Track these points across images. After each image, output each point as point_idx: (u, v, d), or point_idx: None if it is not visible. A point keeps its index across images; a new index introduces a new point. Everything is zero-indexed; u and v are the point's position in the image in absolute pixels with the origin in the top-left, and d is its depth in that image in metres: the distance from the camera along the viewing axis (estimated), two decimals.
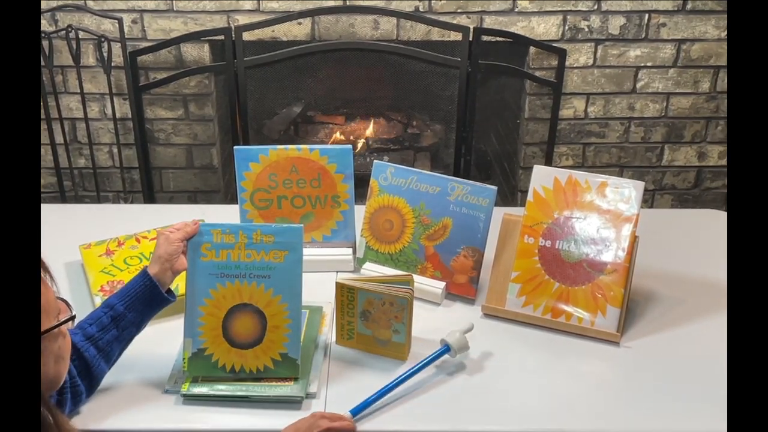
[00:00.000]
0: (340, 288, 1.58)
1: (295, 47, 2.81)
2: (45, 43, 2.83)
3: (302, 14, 2.83)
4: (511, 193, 3.33)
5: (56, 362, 1.17)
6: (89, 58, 2.93)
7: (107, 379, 1.47)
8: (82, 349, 1.39)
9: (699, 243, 2.07)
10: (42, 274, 1.12)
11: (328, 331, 1.66)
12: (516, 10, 2.90)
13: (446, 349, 1.57)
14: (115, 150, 3.09)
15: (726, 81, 3.06)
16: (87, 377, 1.40)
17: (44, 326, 1.11)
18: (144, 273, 1.47)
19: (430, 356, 1.55)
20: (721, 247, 1.99)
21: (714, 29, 2.96)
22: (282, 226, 1.53)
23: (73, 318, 1.20)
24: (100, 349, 1.41)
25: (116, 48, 2.86)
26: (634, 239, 1.68)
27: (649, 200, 3.30)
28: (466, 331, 1.60)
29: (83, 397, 1.41)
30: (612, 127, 3.14)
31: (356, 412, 1.42)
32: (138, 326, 1.48)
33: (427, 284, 1.79)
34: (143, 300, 1.46)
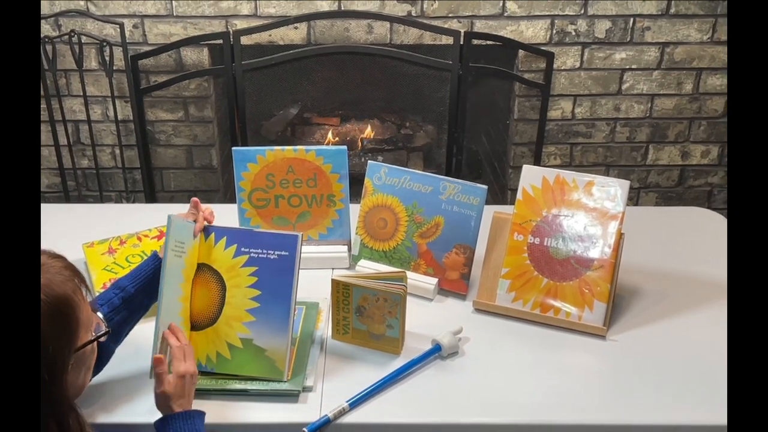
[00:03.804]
0: (336, 284, 1.60)
1: (291, 51, 2.80)
2: (48, 48, 2.83)
3: (298, 19, 2.82)
4: (501, 191, 3.33)
5: (86, 372, 1.22)
6: (92, 62, 2.92)
7: (105, 375, 1.48)
8: (109, 320, 1.40)
9: (683, 239, 2.09)
10: (81, 289, 1.15)
11: (324, 327, 1.68)
12: (505, 14, 2.89)
13: (437, 348, 1.59)
14: (117, 151, 3.08)
15: (708, 83, 3.06)
16: (97, 357, 1.37)
17: (82, 340, 1.15)
18: (154, 255, 1.49)
19: (421, 355, 1.58)
20: (705, 243, 2.03)
21: (696, 33, 2.96)
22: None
23: (108, 332, 1.24)
24: (111, 329, 1.38)
25: (118, 52, 2.85)
26: (620, 236, 1.70)
27: (634, 198, 3.29)
28: (457, 332, 1.62)
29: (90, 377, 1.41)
30: (598, 128, 3.14)
31: (353, 404, 1.45)
32: (146, 308, 1.49)
33: (420, 280, 1.82)
34: (154, 281, 1.46)
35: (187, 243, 1.50)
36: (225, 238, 1.53)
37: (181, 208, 1.60)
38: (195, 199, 1.58)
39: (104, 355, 1.43)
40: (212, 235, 1.53)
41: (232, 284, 1.52)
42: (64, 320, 1.11)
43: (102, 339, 1.24)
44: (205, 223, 1.55)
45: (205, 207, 1.57)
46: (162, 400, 1.35)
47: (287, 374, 1.49)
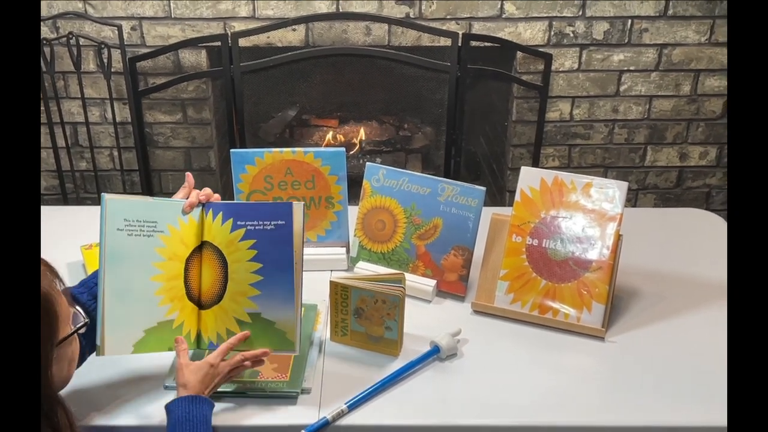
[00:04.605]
0: (334, 286, 1.60)
1: (289, 53, 2.82)
2: (47, 50, 2.83)
3: (296, 21, 2.83)
4: (500, 193, 3.33)
5: (69, 365, 1.21)
6: (90, 64, 2.93)
7: (107, 376, 1.48)
8: (90, 308, 1.40)
9: (681, 241, 2.09)
10: (56, 283, 1.15)
11: (323, 328, 1.68)
12: (503, 16, 2.90)
13: (435, 350, 1.59)
14: (116, 153, 3.09)
15: (706, 84, 3.08)
16: (91, 335, 1.40)
17: (62, 334, 1.15)
18: None
19: (420, 356, 1.57)
20: (703, 244, 2.03)
21: (694, 34, 2.98)
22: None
23: (86, 324, 1.23)
24: (90, 320, 1.35)
25: (116, 54, 2.86)
26: (618, 238, 1.70)
27: (632, 199, 3.30)
28: (455, 334, 1.62)
29: (86, 356, 1.42)
30: (596, 129, 3.15)
31: (352, 406, 1.45)
32: None
33: (418, 282, 1.81)
34: None
35: (163, 221, 1.47)
36: (221, 213, 1.51)
37: None
38: (188, 174, 1.57)
39: (93, 338, 1.41)
40: (210, 212, 1.51)
41: (233, 259, 1.49)
42: (44, 315, 1.10)
43: (81, 330, 1.23)
44: (203, 199, 1.52)
45: (208, 190, 1.54)
46: (178, 377, 1.40)
47: (298, 345, 1.48)
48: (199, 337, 1.51)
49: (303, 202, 1.50)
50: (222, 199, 1.56)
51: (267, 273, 1.48)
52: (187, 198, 1.52)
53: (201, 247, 1.52)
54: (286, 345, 1.48)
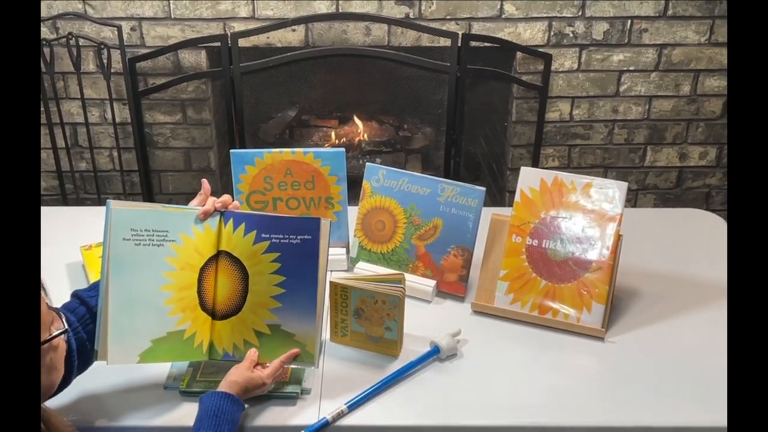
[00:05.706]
0: (334, 287, 1.60)
1: (289, 53, 2.82)
2: (46, 51, 2.83)
3: (296, 21, 2.83)
4: (500, 193, 3.33)
5: (49, 373, 1.17)
6: (89, 64, 2.93)
7: (107, 378, 1.49)
8: (95, 308, 1.41)
9: (680, 241, 2.09)
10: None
11: (323, 329, 1.65)
12: (503, 16, 2.90)
13: (435, 350, 1.59)
14: (116, 153, 3.08)
15: (706, 84, 3.08)
16: (79, 351, 1.38)
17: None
18: None
19: (420, 357, 1.58)
20: (702, 244, 2.03)
21: (694, 34, 2.98)
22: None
23: (66, 331, 1.20)
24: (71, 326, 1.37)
25: (116, 55, 2.87)
26: (618, 238, 1.70)
27: (632, 200, 3.30)
28: (455, 334, 1.62)
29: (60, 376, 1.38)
30: (596, 130, 3.15)
31: (352, 406, 1.45)
32: None
33: (418, 283, 1.81)
34: None
35: (176, 230, 1.44)
36: (243, 224, 1.49)
37: None
38: (204, 180, 1.55)
39: (89, 341, 1.40)
40: (230, 222, 1.49)
41: (255, 271, 1.48)
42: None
43: (61, 337, 1.19)
44: (219, 207, 1.49)
45: (226, 197, 1.52)
46: (230, 373, 1.42)
47: (317, 359, 1.48)
48: (211, 347, 1.50)
49: (330, 220, 1.50)
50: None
51: (290, 286, 1.48)
52: (202, 205, 1.49)
53: (217, 256, 1.50)
54: (306, 357, 1.49)
